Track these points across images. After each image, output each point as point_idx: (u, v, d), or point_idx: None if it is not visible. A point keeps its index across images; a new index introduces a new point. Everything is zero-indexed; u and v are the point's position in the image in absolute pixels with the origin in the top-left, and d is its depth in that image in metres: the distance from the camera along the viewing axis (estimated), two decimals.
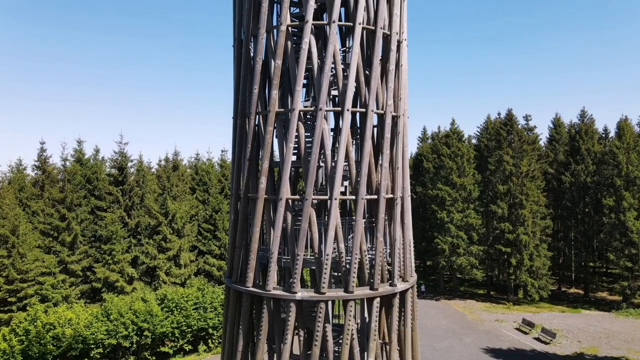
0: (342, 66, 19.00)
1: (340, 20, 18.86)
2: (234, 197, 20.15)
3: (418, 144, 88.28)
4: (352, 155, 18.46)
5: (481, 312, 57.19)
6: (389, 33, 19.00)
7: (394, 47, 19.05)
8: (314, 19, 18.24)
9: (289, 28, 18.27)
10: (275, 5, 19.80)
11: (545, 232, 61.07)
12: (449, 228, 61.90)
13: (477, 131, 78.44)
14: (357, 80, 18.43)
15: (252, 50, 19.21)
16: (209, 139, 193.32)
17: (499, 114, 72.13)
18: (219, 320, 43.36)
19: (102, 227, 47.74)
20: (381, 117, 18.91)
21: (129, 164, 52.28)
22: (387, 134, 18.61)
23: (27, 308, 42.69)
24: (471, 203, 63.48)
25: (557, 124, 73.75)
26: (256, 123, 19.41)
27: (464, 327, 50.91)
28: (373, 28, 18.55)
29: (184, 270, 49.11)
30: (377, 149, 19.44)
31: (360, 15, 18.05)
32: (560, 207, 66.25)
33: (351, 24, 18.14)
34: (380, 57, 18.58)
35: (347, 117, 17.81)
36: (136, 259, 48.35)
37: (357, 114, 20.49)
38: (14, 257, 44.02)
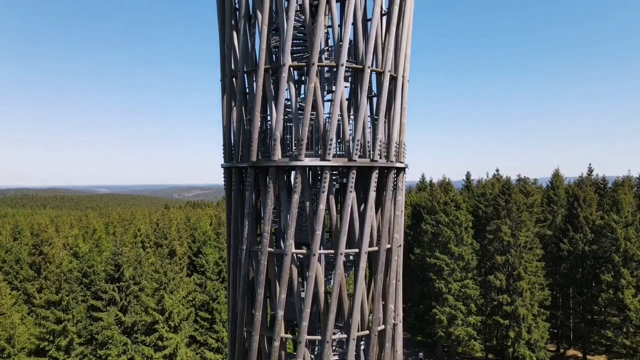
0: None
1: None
2: None
3: (416, 192, 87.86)
4: None
5: None
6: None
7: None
8: None
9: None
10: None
11: (543, 304, 60.94)
12: (447, 298, 61.72)
13: (475, 197, 77.89)
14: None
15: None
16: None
17: (497, 170, 71.89)
18: None
19: (99, 330, 47.51)
20: (368, 337, 18.90)
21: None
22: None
23: None
24: (469, 272, 63.21)
25: (555, 184, 73.15)
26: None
27: None
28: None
29: None
30: None
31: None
32: (558, 273, 66.04)
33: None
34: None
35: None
36: (132, 359, 48.15)
37: None
38: None
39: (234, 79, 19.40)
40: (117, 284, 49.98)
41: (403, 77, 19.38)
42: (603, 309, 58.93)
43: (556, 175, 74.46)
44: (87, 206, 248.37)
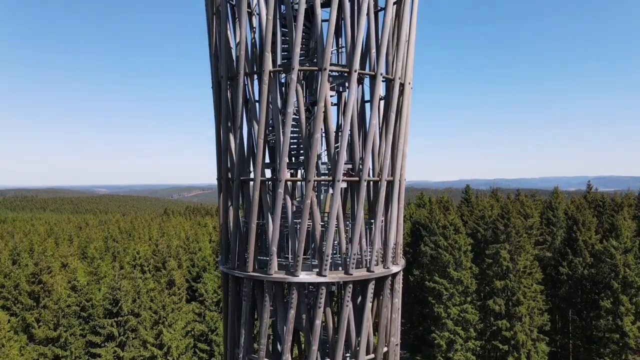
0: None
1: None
2: None
3: (416, 207, 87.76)
4: None
5: None
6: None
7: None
8: None
9: None
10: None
11: (542, 329, 60.95)
12: (446, 323, 61.69)
13: (474, 220, 77.81)
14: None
15: None
16: None
17: (495, 191, 71.65)
18: None
19: None
20: None
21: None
22: None
23: None
24: (468, 296, 63.12)
25: (555, 205, 72.74)
26: None
27: None
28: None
29: None
30: None
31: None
32: (557, 296, 65.97)
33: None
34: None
35: None
36: None
37: None
38: None
39: (230, 182, 19.15)
40: (115, 319, 49.88)
41: (400, 179, 19.16)
42: (603, 335, 59.00)
43: (555, 194, 74.11)
44: (87, 209, 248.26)
